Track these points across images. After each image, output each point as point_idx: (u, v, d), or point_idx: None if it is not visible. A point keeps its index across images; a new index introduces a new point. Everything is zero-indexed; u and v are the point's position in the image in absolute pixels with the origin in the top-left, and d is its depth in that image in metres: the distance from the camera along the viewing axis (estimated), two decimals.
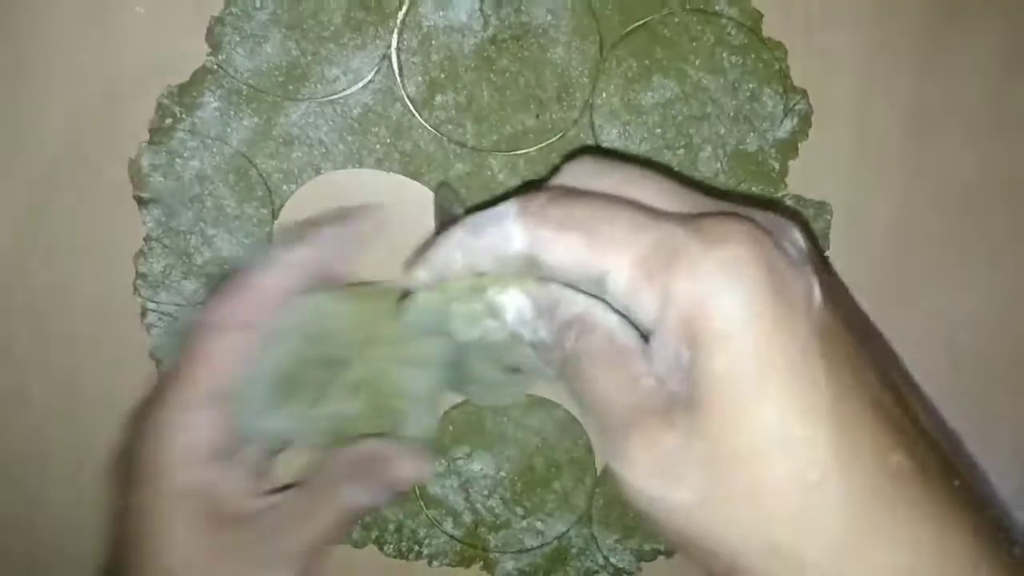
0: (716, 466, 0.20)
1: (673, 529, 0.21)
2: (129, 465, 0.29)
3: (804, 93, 0.36)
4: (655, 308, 0.21)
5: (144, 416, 0.29)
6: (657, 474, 0.20)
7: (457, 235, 0.23)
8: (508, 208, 0.22)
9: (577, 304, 0.22)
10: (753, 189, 0.37)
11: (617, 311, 0.22)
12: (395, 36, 0.34)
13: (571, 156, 0.25)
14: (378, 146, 0.35)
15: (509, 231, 0.22)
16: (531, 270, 0.22)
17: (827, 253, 0.38)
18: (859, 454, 0.20)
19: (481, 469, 0.39)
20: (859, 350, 0.21)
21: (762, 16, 0.35)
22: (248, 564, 0.28)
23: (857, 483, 0.20)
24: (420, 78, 0.34)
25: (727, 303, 0.20)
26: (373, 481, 0.30)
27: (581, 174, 0.24)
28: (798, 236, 0.22)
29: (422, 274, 0.24)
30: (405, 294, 0.25)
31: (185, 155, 0.35)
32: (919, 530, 0.20)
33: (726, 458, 0.20)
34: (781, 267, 0.20)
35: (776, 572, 0.20)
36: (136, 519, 0.28)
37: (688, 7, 0.34)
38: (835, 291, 0.21)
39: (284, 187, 0.35)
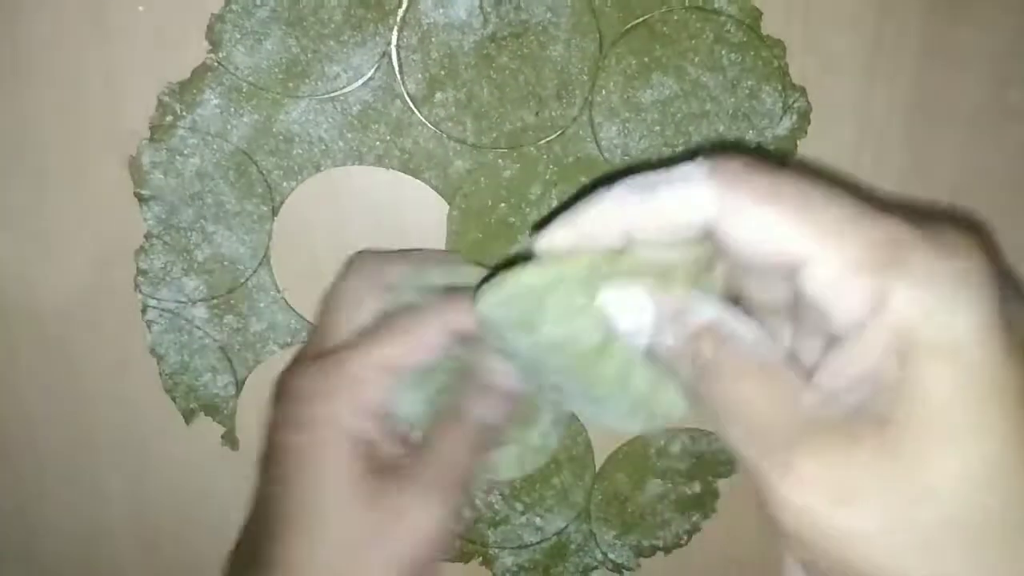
0: (910, 494, 0.17)
1: (843, 558, 0.18)
2: (293, 408, 0.29)
3: (803, 91, 0.36)
4: (861, 311, 0.18)
5: (318, 368, 0.29)
6: (836, 495, 0.18)
7: (619, 192, 0.20)
8: (697, 168, 0.19)
9: (708, 311, 0.20)
10: None
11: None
12: (395, 33, 0.34)
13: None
14: (378, 143, 0.35)
15: (696, 192, 0.19)
16: (704, 249, 0.19)
17: None
18: None
19: None
20: None
21: (761, 14, 0.35)
22: (398, 509, 0.28)
23: None
24: (420, 75, 0.34)
25: (962, 318, 0.17)
26: (487, 393, 0.30)
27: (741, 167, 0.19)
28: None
29: (559, 234, 0.21)
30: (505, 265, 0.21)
31: (185, 152, 0.35)
32: None
33: (925, 487, 0.17)
34: (1012, 291, 0.18)
35: None
36: (295, 459, 0.28)
37: (687, 4, 0.34)
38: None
39: (284, 184, 0.35)
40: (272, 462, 0.29)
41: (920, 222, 0.18)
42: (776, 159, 0.25)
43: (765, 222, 0.18)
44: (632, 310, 0.21)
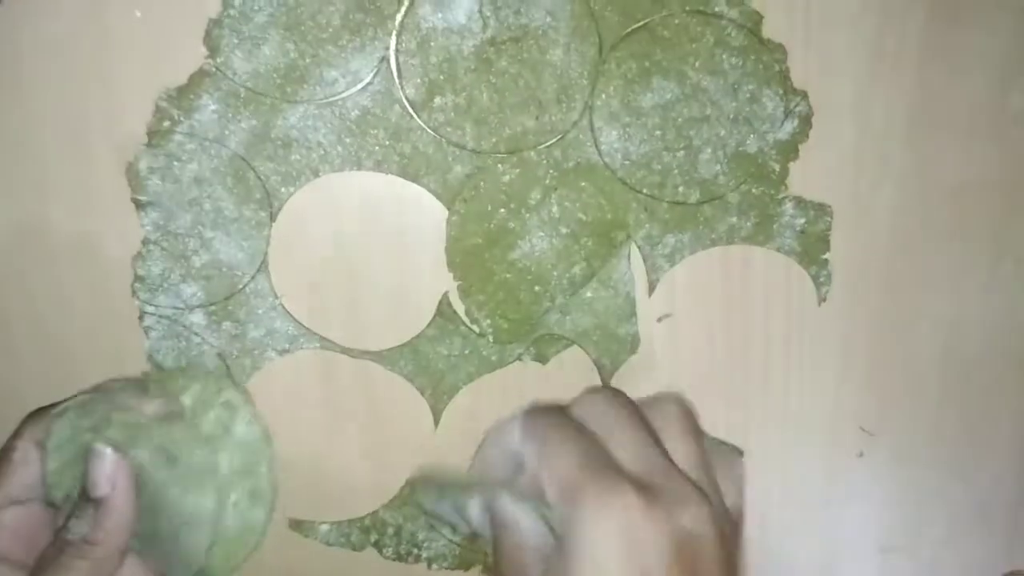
0: None
1: None
2: None
3: (804, 95, 0.36)
4: (560, 517, 0.26)
5: None
6: None
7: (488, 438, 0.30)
8: (517, 416, 0.29)
9: (509, 509, 0.28)
10: (753, 191, 0.36)
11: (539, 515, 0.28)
12: (394, 38, 0.34)
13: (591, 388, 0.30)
14: (377, 148, 0.35)
15: (513, 432, 0.29)
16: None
17: (827, 255, 0.38)
18: None
19: None
20: None
21: (762, 17, 0.34)
22: None
23: None
24: (419, 80, 0.34)
25: (580, 542, 0.25)
26: None
27: (590, 405, 0.29)
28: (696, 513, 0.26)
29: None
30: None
31: (183, 158, 0.34)
32: None
33: None
34: (640, 532, 0.25)
35: None
36: None
37: (688, 8, 0.34)
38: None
39: (282, 189, 0.35)
40: None
41: (605, 468, 0.26)
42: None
43: (528, 452, 0.28)
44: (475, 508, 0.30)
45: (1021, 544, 0.43)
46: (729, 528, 0.28)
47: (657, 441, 0.28)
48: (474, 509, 0.29)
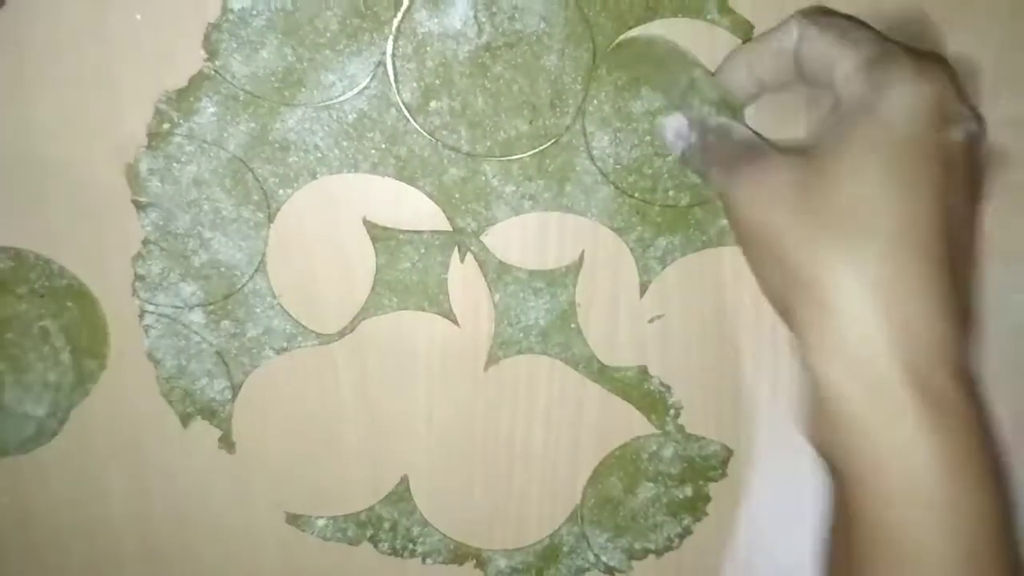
0: (814, 192, 0.28)
1: (758, 237, 0.30)
2: None
3: None
4: (858, 88, 0.29)
5: None
6: (761, 192, 0.30)
7: (747, 45, 0.34)
8: (792, 19, 0.32)
9: (719, 120, 0.33)
10: None
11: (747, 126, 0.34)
12: (390, 43, 0.34)
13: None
14: (373, 151, 0.36)
15: (789, 27, 0.31)
16: (791, 67, 0.32)
17: None
18: (926, 258, 0.27)
19: None
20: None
21: (753, 27, 0.35)
22: None
23: (913, 269, 0.27)
24: (415, 84, 0.35)
25: (901, 98, 0.28)
26: None
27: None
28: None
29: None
30: None
31: (182, 160, 0.35)
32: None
33: (825, 187, 0.28)
34: (953, 101, 0.28)
35: (817, 298, 0.28)
36: None
37: (679, 17, 0.35)
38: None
39: (280, 191, 0.36)
40: None
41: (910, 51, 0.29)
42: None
43: (822, 42, 0.30)
44: (673, 127, 0.34)
45: None
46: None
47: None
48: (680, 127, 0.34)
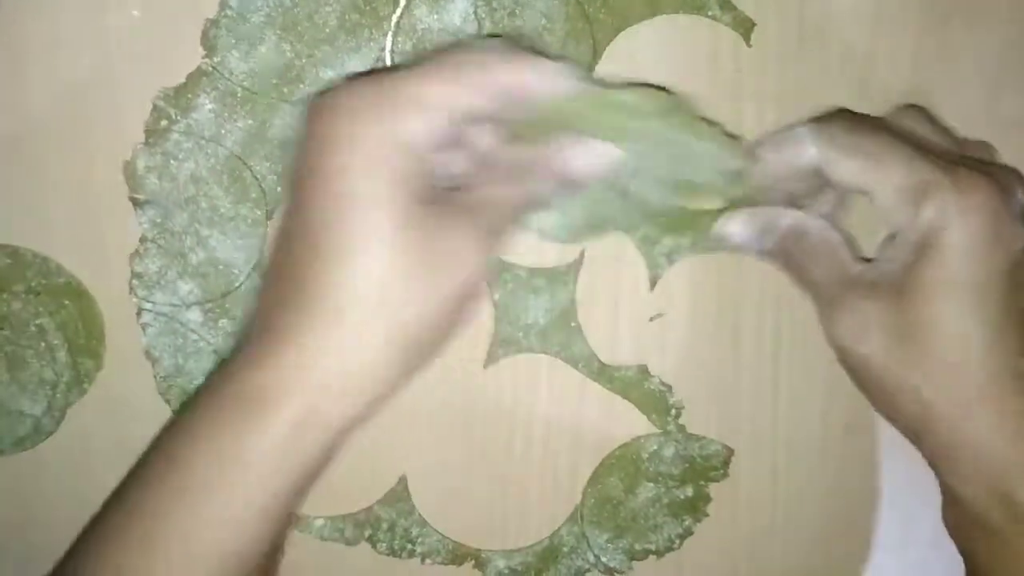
0: (903, 333, 0.29)
1: (864, 374, 0.31)
2: (334, 125, 0.27)
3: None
4: (905, 220, 0.29)
5: (373, 87, 0.27)
6: (856, 331, 0.30)
7: (761, 150, 0.32)
8: (804, 131, 0.31)
9: (791, 216, 0.32)
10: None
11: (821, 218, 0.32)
12: (389, 39, 0.34)
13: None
14: None
15: (804, 151, 0.31)
16: (814, 178, 0.31)
17: None
18: (1002, 363, 0.29)
19: None
20: None
21: (754, 24, 0.35)
22: (445, 237, 0.27)
23: (993, 376, 0.29)
24: None
25: (956, 237, 0.28)
26: (550, 174, 0.31)
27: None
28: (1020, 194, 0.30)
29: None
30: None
31: (180, 157, 0.35)
32: None
33: (912, 330, 0.29)
34: (1004, 217, 0.28)
35: (923, 416, 0.30)
36: (335, 182, 0.26)
37: (681, 13, 0.34)
38: None
39: (279, 189, 0.36)
40: (303, 189, 0.27)
41: (951, 165, 0.29)
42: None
43: (848, 168, 0.30)
44: (738, 230, 0.33)
45: None
46: None
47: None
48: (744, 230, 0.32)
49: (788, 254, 0.32)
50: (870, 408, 0.40)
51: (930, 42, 0.36)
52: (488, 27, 0.34)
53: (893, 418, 0.32)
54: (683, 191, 0.32)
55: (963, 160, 0.30)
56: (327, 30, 0.34)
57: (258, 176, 0.35)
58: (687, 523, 0.41)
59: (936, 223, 0.28)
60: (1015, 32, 0.37)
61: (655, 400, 0.39)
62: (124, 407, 0.38)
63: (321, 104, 0.27)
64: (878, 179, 0.29)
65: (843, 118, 0.32)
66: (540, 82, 0.28)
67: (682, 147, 0.31)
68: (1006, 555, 0.30)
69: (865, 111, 0.37)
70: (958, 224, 0.28)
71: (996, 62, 0.37)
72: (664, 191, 0.32)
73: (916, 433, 0.31)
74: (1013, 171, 0.31)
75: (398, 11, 0.34)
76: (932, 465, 0.31)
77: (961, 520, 0.31)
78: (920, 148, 0.30)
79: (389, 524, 0.40)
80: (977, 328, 0.28)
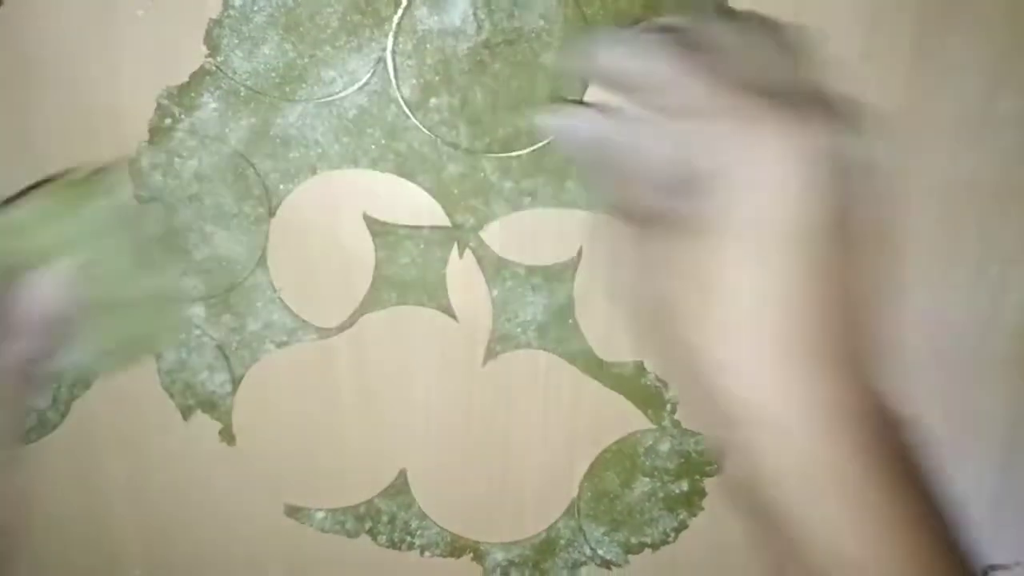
0: (683, 264, 0.27)
1: (647, 313, 0.29)
2: None
3: None
4: (706, 153, 0.26)
5: None
6: (642, 267, 0.28)
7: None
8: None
9: (605, 121, 0.30)
10: None
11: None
12: (390, 39, 0.34)
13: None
14: (373, 147, 0.36)
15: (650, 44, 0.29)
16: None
17: None
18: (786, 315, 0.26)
19: None
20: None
21: None
22: None
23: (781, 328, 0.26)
24: (415, 80, 0.35)
25: (759, 177, 0.26)
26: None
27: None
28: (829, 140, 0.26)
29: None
30: None
31: (184, 154, 0.35)
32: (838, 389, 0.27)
33: (696, 272, 0.27)
34: (821, 166, 0.26)
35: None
36: None
37: (678, 16, 0.35)
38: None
39: (281, 186, 0.36)
40: None
41: (773, 103, 0.26)
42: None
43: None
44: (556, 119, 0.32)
45: (1001, 539, 0.44)
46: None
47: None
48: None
49: (597, 158, 0.31)
50: None
51: (928, 39, 0.36)
52: (488, 28, 0.34)
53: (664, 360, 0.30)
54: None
55: (791, 100, 0.27)
56: (329, 30, 0.34)
57: (260, 174, 0.36)
58: (682, 517, 0.41)
59: (738, 160, 0.26)
60: (1013, 32, 0.37)
61: (651, 396, 0.40)
62: (128, 401, 0.39)
63: None
64: (709, 100, 0.27)
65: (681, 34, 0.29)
66: None
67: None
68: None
69: (863, 111, 0.37)
70: (764, 165, 0.26)
71: (993, 60, 0.37)
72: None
73: (682, 377, 0.28)
74: (849, 126, 0.28)
75: (399, 12, 0.34)
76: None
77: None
78: (748, 80, 0.27)
79: (389, 517, 0.41)
80: (768, 281, 0.26)
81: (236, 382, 0.38)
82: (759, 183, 0.26)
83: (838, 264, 0.27)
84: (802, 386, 0.26)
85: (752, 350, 0.26)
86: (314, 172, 0.36)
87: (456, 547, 0.41)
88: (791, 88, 0.28)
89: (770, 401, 0.26)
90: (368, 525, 0.41)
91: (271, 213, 0.36)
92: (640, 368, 0.39)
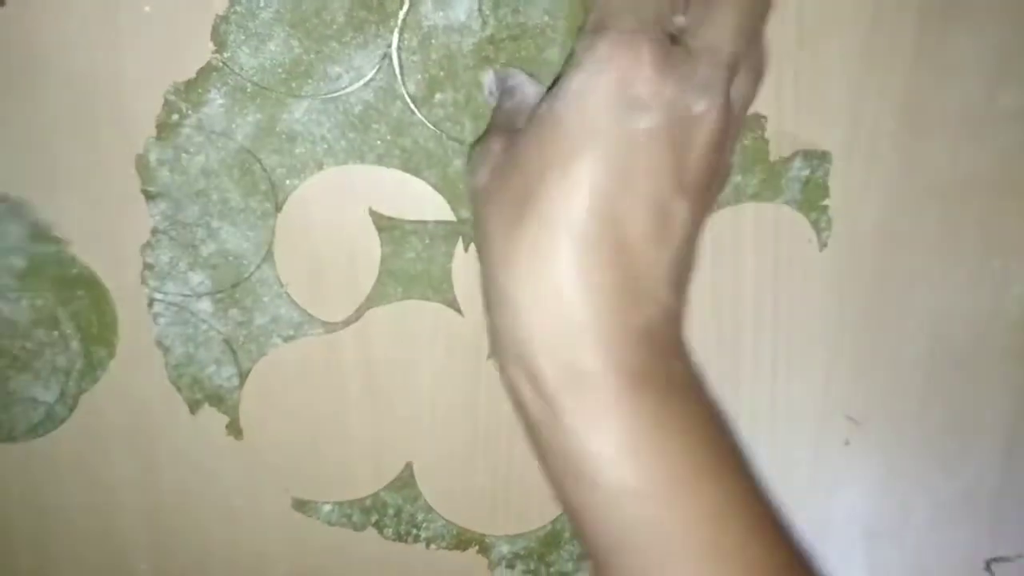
0: (510, 173, 0.28)
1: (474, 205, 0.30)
2: None
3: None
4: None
5: None
6: (481, 179, 0.29)
7: None
8: None
9: (519, 77, 0.33)
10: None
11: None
12: (396, 35, 0.35)
13: None
14: (379, 142, 0.36)
15: None
16: None
17: (827, 201, 0.39)
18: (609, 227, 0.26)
19: None
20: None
21: None
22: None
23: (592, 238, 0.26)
24: (420, 76, 0.35)
25: (564, 101, 0.27)
26: None
27: None
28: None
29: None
30: None
31: (191, 150, 0.35)
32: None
33: (511, 183, 0.27)
34: (631, 94, 0.26)
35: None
36: None
37: None
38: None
39: (287, 182, 0.36)
40: None
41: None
42: None
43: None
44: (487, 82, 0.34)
45: (1004, 531, 0.44)
46: (732, 123, 0.28)
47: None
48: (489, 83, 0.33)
49: (498, 111, 0.33)
50: (866, 397, 0.41)
51: (930, 35, 0.37)
52: (492, 24, 0.35)
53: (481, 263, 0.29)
54: None
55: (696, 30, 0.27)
56: (335, 26, 0.35)
57: (267, 169, 0.36)
58: None
59: (573, 68, 0.27)
60: (1014, 30, 0.37)
61: None
62: (135, 395, 0.39)
63: None
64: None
65: None
66: None
67: None
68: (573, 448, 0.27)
69: (861, 106, 0.37)
70: (584, 76, 0.26)
71: (994, 58, 0.37)
72: None
73: (487, 299, 0.29)
74: (724, 83, 0.27)
75: (404, 8, 0.34)
76: (493, 341, 0.28)
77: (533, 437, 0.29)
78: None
79: (395, 510, 0.41)
80: (579, 187, 0.26)
81: (243, 376, 0.38)
82: (566, 84, 0.26)
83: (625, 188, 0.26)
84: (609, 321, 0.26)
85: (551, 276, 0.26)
86: (320, 167, 0.36)
87: (462, 540, 0.41)
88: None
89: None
90: (374, 518, 0.41)
91: (277, 208, 0.37)
92: None
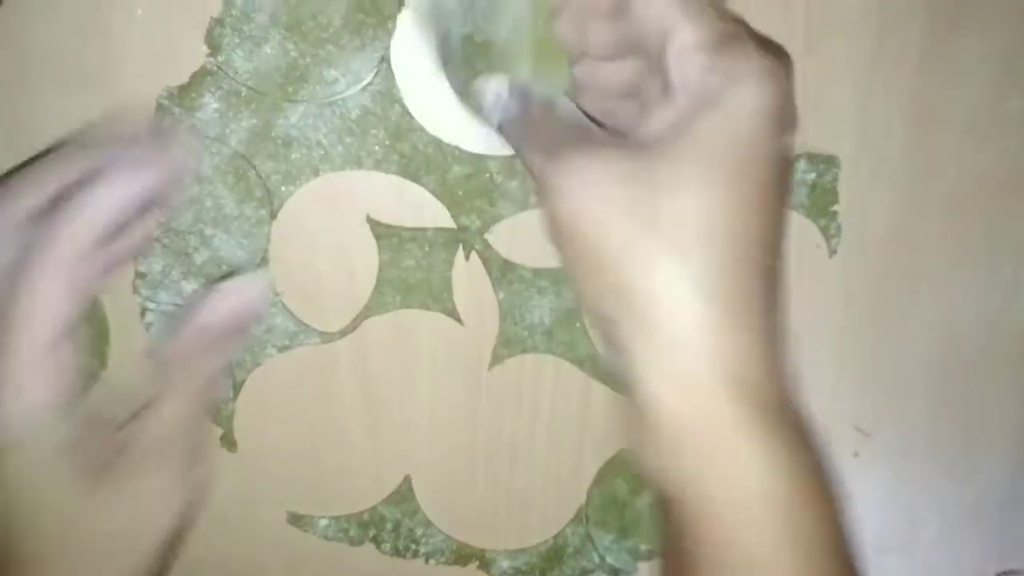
0: (650, 203, 0.25)
1: (588, 236, 0.26)
2: None
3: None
4: (690, 75, 0.26)
5: None
6: (593, 191, 0.26)
7: None
8: None
9: (544, 91, 0.30)
10: None
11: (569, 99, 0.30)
12: (393, 39, 0.34)
13: None
14: (376, 148, 0.35)
15: None
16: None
17: (836, 207, 0.38)
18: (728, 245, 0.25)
19: None
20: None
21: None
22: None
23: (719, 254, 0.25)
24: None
25: (743, 113, 0.25)
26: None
27: None
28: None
29: None
30: None
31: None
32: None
33: (661, 199, 0.25)
34: (791, 98, 0.26)
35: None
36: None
37: None
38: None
39: (283, 188, 0.36)
40: None
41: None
42: None
43: (658, 6, 0.26)
44: (493, 91, 0.30)
45: (1014, 544, 0.43)
46: None
47: None
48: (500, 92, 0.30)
49: (532, 122, 0.30)
50: (874, 408, 0.41)
51: (938, 38, 0.36)
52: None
53: (585, 282, 0.27)
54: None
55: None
56: (331, 30, 0.34)
57: (262, 175, 0.35)
58: None
59: (733, 80, 0.25)
60: (1020, 32, 0.37)
61: None
62: (127, 407, 0.38)
63: None
64: (686, 22, 0.26)
65: None
66: None
67: None
68: (709, 474, 0.26)
69: (870, 108, 0.37)
70: (757, 86, 0.25)
71: (1003, 60, 0.37)
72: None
73: (610, 312, 0.26)
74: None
75: (402, 11, 0.34)
76: (624, 357, 0.26)
77: (660, 445, 0.26)
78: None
79: (393, 524, 0.40)
80: (732, 210, 0.25)
81: (237, 387, 0.38)
82: (728, 100, 0.25)
83: (777, 211, 0.26)
84: (726, 339, 0.25)
85: (676, 282, 0.25)
86: (316, 173, 0.36)
87: (462, 555, 0.41)
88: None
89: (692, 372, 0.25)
90: (372, 532, 0.40)
91: (272, 215, 0.36)
92: None
